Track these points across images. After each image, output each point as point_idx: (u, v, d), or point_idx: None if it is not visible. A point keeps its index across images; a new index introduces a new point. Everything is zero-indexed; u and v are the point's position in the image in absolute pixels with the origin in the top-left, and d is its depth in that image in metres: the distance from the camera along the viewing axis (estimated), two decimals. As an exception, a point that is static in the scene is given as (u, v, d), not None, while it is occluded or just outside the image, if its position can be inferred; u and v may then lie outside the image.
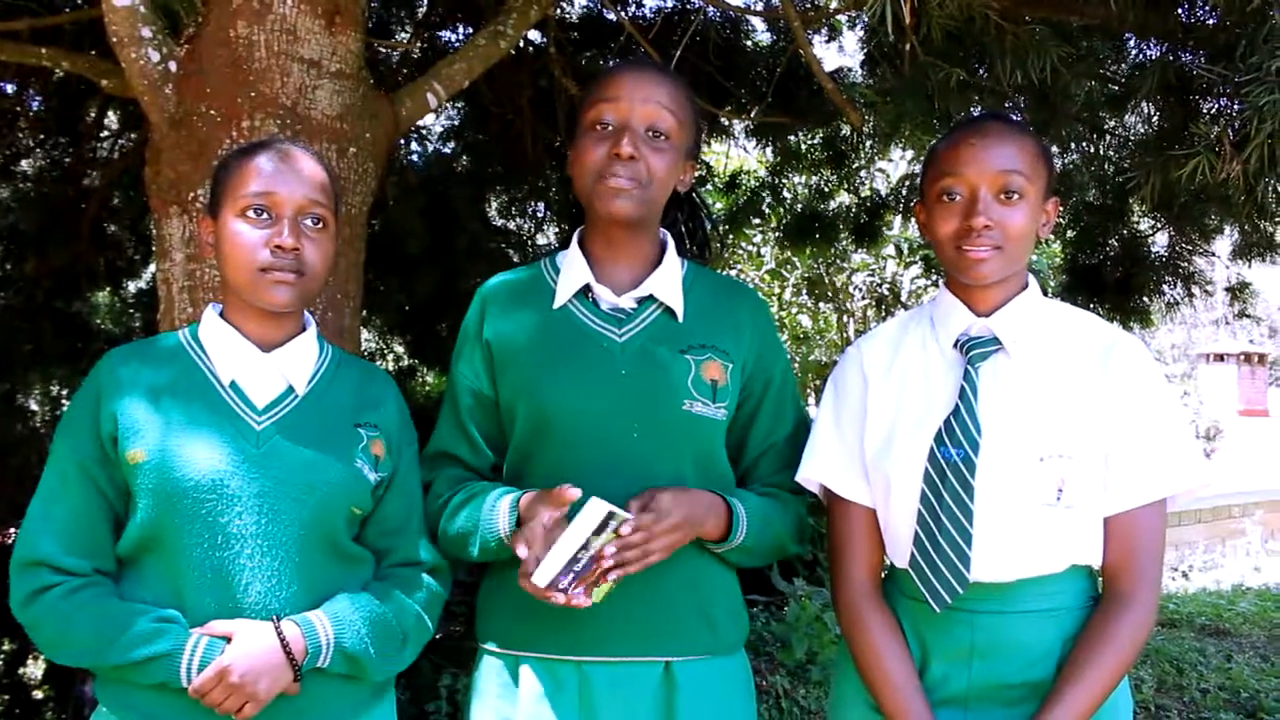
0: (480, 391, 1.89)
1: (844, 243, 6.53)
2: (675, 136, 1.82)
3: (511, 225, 5.91)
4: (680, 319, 1.86)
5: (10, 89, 4.75)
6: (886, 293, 9.41)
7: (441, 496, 1.87)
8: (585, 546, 1.57)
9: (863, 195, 5.88)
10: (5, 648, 5.73)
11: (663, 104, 1.79)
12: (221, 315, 1.78)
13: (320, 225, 1.74)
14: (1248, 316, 5.84)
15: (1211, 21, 2.96)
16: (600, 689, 1.75)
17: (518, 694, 1.78)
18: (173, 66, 2.27)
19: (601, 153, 1.78)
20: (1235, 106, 2.57)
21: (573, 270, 1.87)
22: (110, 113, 5.08)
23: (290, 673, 1.60)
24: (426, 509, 1.87)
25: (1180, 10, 3.04)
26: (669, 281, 1.87)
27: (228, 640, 1.59)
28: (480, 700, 1.84)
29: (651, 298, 1.86)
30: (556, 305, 1.86)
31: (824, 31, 5.13)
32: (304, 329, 1.81)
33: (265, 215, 1.69)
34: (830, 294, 9.81)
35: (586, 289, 1.87)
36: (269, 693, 1.59)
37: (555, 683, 1.76)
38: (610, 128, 1.79)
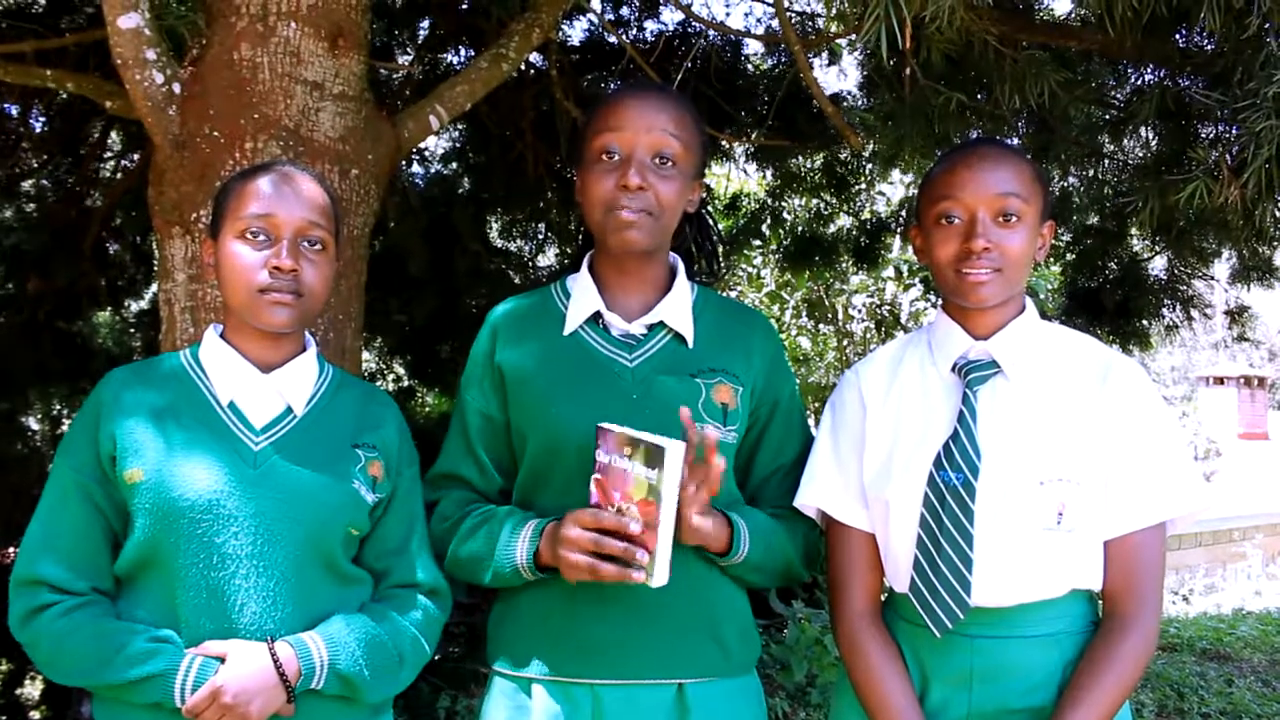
0: (490, 415, 1.89)
1: (844, 265, 6.55)
2: (681, 161, 1.82)
3: (513, 247, 5.92)
4: (690, 344, 1.86)
5: (14, 110, 4.77)
6: (886, 315, 9.42)
7: (450, 519, 1.86)
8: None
9: (862, 218, 5.91)
10: (2, 668, 5.72)
11: (667, 130, 1.79)
12: (222, 336, 1.79)
13: (319, 247, 1.75)
14: (1247, 340, 5.85)
15: (1209, 47, 2.97)
16: (613, 711, 1.75)
17: (530, 717, 1.77)
18: (176, 88, 2.29)
19: (610, 184, 1.78)
20: (1233, 132, 2.59)
21: (583, 296, 1.88)
22: (113, 133, 5.11)
23: (284, 694, 1.60)
24: (432, 530, 1.87)
25: (1178, 36, 3.06)
26: (679, 307, 1.88)
27: (222, 660, 1.58)
28: None
29: (661, 324, 1.87)
30: (567, 331, 1.87)
31: (824, 55, 5.17)
32: (304, 350, 1.82)
33: (263, 237, 1.70)
34: (830, 316, 9.82)
35: (597, 315, 1.87)
36: (262, 713, 1.58)
37: (569, 705, 1.76)
38: (616, 157, 1.79)
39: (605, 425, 1.64)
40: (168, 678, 1.56)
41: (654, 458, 1.56)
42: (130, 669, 1.57)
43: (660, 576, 1.59)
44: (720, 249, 2.12)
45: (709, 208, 2.12)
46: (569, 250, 5.62)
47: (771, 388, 1.92)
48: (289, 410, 1.76)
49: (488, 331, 1.93)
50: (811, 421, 2.01)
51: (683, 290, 1.91)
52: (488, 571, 1.78)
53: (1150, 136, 3.68)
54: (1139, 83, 3.66)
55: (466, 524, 1.83)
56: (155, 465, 1.63)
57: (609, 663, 1.76)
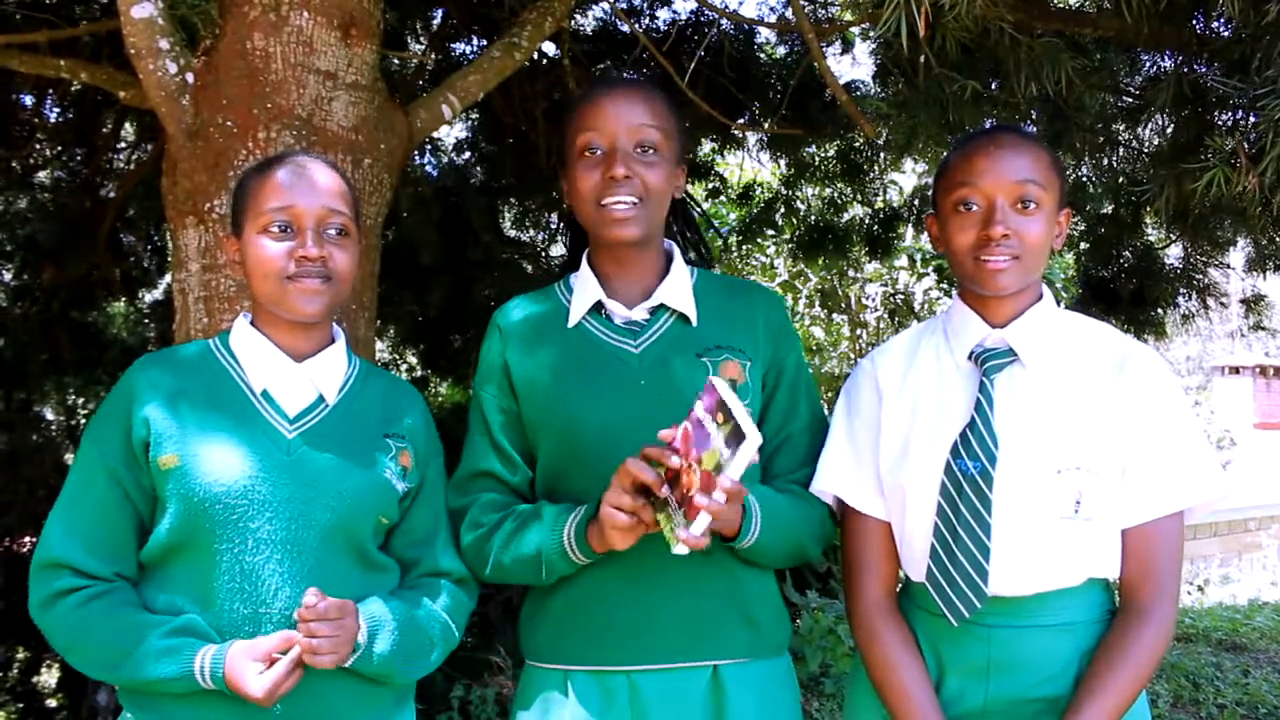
0: (509, 409, 1.89)
1: (857, 254, 6.53)
2: (663, 148, 1.84)
3: (525, 236, 5.92)
4: (694, 323, 1.87)
5: (29, 100, 4.78)
6: (900, 303, 9.39)
7: (485, 525, 1.84)
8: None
9: (876, 207, 5.88)
10: (19, 656, 5.76)
11: (645, 121, 1.82)
12: (252, 324, 1.79)
13: (343, 234, 1.75)
14: (1263, 329, 5.81)
15: (1226, 34, 2.95)
16: (650, 697, 1.76)
17: (566, 707, 1.78)
18: (189, 78, 2.29)
19: (596, 178, 1.81)
20: (1251, 119, 2.56)
21: (584, 289, 1.89)
22: (127, 124, 5.12)
23: (347, 656, 1.61)
24: (463, 538, 1.86)
25: (1195, 23, 3.03)
26: (679, 288, 1.89)
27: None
28: (526, 717, 1.84)
29: (663, 307, 1.88)
30: (571, 324, 1.88)
31: (837, 44, 5.14)
32: (333, 340, 1.84)
33: (287, 230, 1.71)
34: (843, 305, 9.80)
35: (599, 305, 1.88)
36: (345, 656, 1.59)
37: (606, 694, 1.77)
38: (599, 152, 1.82)
39: (714, 380, 1.59)
40: (188, 679, 1.57)
41: (735, 439, 1.52)
42: (144, 669, 1.58)
43: (682, 547, 1.54)
44: (705, 235, 2.12)
45: (690, 196, 2.12)
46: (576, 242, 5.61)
47: (776, 356, 1.92)
48: (321, 399, 1.77)
49: (495, 336, 1.93)
50: (825, 411, 2.00)
51: (681, 273, 1.92)
52: (542, 569, 1.76)
53: (1166, 124, 3.65)
54: (1154, 70, 3.63)
55: (505, 528, 1.81)
56: (190, 451, 1.65)
57: (643, 648, 1.76)
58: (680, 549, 1.53)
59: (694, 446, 1.57)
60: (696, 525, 1.51)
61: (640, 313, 1.88)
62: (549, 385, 1.84)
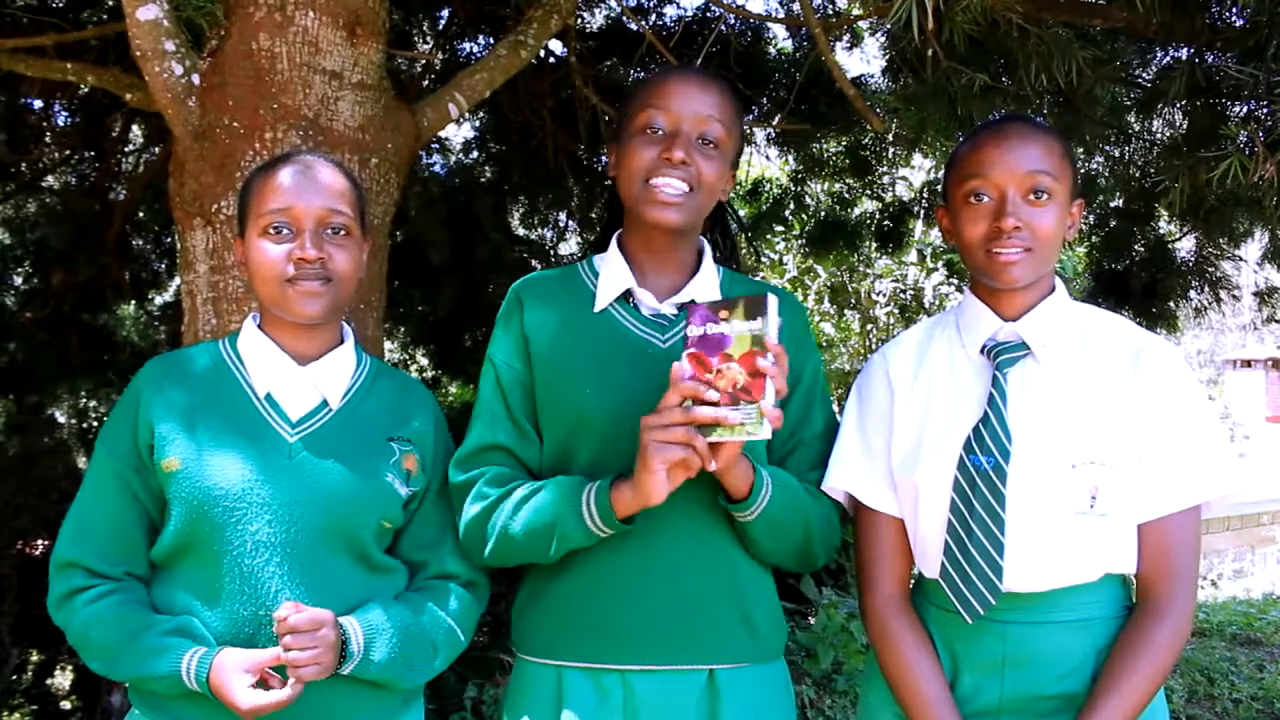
0: (526, 383, 1.84)
1: (867, 249, 6.51)
2: (724, 145, 1.81)
3: (534, 235, 5.92)
4: None
5: (37, 104, 4.80)
6: (910, 299, 9.36)
7: (490, 497, 1.77)
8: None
9: (886, 202, 5.86)
10: (34, 659, 5.77)
11: (713, 114, 1.79)
12: (260, 327, 1.80)
13: (343, 233, 1.74)
14: (1276, 322, 5.77)
15: (1240, 23, 2.92)
16: (644, 698, 1.73)
17: (559, 704, 1.75)
18: (196, 79, 2.29)
19: (651, 156, 1.77)
20: (1265, 108, 2.54)
21: (613, 274, 1.86)
22: (135, 127, 5.13)
23: (333, 667, 1.60)
24: (467, 512, 1.79)
25: (1208, 13, 3.01)
26: (709, 288, 1.87)
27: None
28: (516, 712, 1.81)
29: (692, 303, 1.85)
30: (598, 308, 1.84)
31: (845, 38, 5.12)
32: (342, 341, 1.83)
33: (286, 230, 1.71)
34: (853, 301, 9.78)
35: (627, 294, 1.85)
36: (330, 667, 1.58)
37: (599, 692, 1.74)
38: (661, 132, 1.78)
39: (693, 302, 1.55)
40: (174, 679, 1.59)
41: (755, 309, 1.51)
42: (137, 666, 1.61)
43: (766, 429, 1.51)
44: (737, 239, 2.09)
45: (730, 201, 2.09)
46: (590, 238, 5.61)
47: (795, 362, 1.87)
48: (325, 403, 1.77)
49: (514, 301, 1.88)
50: (836, 408, 1.98)
51: (711, 271, 1.89)
52: (553, 540, 1.69)
53: (1178, 116, 3.63)
54: (1167, 61, 3.61)
55: (517, 496, 1.74)
56: (191, 455, 1.66)
57: (640, 648, 1.73)
58: (766, 430, 1.50)
59: (711, 357, 1.56)
60: (768, 397, 1.50)
61: (669, 307, 1.85)
62: (568, 366, 1.80)
